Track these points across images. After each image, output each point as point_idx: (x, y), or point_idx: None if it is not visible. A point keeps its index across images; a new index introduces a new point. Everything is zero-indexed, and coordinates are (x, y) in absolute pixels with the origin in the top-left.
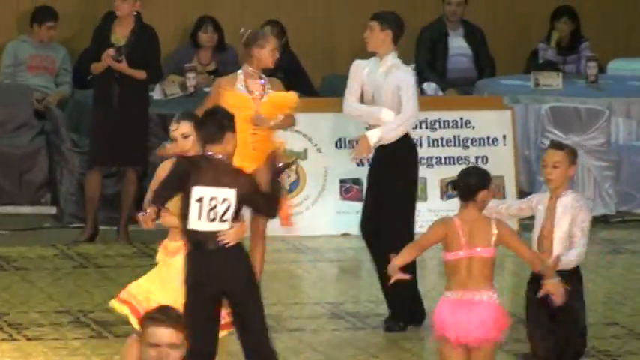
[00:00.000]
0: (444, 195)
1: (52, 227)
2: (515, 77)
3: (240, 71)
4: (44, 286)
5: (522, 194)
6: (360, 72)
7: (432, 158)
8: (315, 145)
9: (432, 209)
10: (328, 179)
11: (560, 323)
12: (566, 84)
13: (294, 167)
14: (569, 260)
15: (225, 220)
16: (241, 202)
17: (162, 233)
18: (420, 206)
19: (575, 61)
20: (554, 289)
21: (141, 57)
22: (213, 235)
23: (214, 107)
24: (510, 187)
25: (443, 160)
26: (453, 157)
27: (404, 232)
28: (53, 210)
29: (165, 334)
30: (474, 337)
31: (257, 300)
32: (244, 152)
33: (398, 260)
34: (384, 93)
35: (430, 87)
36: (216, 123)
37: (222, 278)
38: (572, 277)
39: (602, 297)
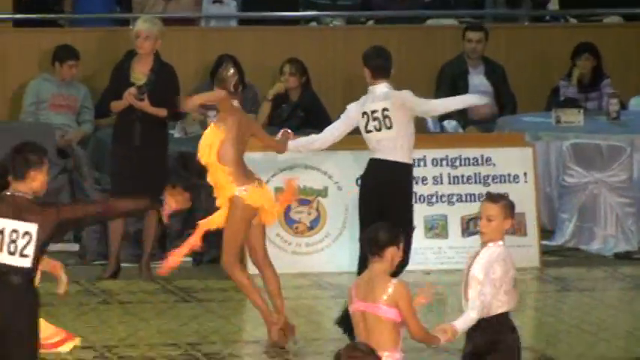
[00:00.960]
0: (465, 232)
1: (76, 264)
2: (537, 114)
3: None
4: (68, 321)
5: (544, 231)
6: (353, 113)
7: (452, 195)
8: (336, 182)
9: (452, 246)
10: (349, 216)
11: None
12: (587, 121)
13: (315, 204)
14: (471, 319)
15: (25, 255)
16: (50, 234)
17: (185, 271)
18: (441, 243)
19: (597, 98)
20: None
21: (161, 95)
22: (14, 269)
23: (23, 143)
24: (531, 225)
25: (464, 198)
26: (474, 194)
27: None
28: (76, 247)
29: None
30: None
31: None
32: None
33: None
34: (391, 112)
35: (450, 124)
36: (22, 159)
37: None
38: (500, 328)
39: (624, 332)
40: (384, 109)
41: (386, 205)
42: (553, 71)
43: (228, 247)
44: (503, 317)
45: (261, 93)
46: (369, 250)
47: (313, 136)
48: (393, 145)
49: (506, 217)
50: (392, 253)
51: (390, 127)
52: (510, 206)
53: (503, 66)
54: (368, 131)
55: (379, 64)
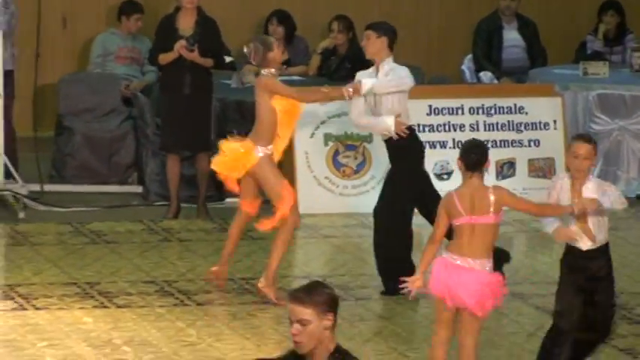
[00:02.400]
0: (499, 175)
1: (139, 205)
2: (565, 67)
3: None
4: (132, 258)
5: None
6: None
7: (488, 141)
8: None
9: None
10: None
11: (592, 307)
12: (612, 73)
13: (361, 149)
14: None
15: None
16: None
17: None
18: None
19: (621, 52)
20: (589, 203)
21: (206, 46)
22: None
23: None
24: (560, 168)
25: (498, 143)
26: (508, 141)
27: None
28: (139, 189)
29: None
30: (462, 302)
31: None
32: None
33: (422, 266)
34: (385, 96)
35: (486, 76)
36: None
37: None
38: (607, 262)
39: None
40: None
41: None
42: (581, 27)
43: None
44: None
45: (311, 46)
46: (471, 167)
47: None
48: None
49: (595, 155)
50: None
51: None
52: (596, 145)
53: (535, 22)
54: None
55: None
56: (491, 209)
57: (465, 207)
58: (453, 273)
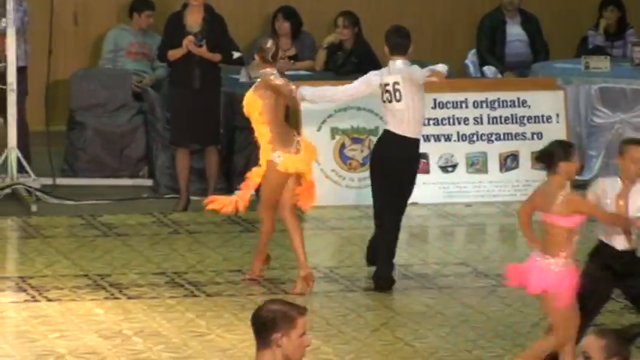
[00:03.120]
0: (503, 167)
1: (149, 197)
2: (567, 61)
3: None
4: (142, 250)
5: None
6: (372, 81)
7: (491, 134)
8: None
9: (491, 181)
10: None
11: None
12: (613, 67)
13: (366, 142)
14: None
15: None
16: None
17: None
18: (481, 178)
19: (622, 46)
20: None
21: (214, 41)
22: None
23: None
24: None
25: (502, 136)
26: (511, 134)
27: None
28: (150, 182)
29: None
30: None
31: None
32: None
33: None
34: (402, 86)
35: (490, 70)
36: None
37: None
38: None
39: None
40: (395, 83)
41: (391, 177)
42: (582, 22)
43: (264, 201)
44: None
45: (317, 41)
46: (546, 166)
47: (329, 88)
48: (401, 117)
49: None
50: (564, 167)
51: (399, 100)
52: None
53: (538, 17)
54: (382, 102)
55: (397, 42)
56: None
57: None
58: (531, 270)
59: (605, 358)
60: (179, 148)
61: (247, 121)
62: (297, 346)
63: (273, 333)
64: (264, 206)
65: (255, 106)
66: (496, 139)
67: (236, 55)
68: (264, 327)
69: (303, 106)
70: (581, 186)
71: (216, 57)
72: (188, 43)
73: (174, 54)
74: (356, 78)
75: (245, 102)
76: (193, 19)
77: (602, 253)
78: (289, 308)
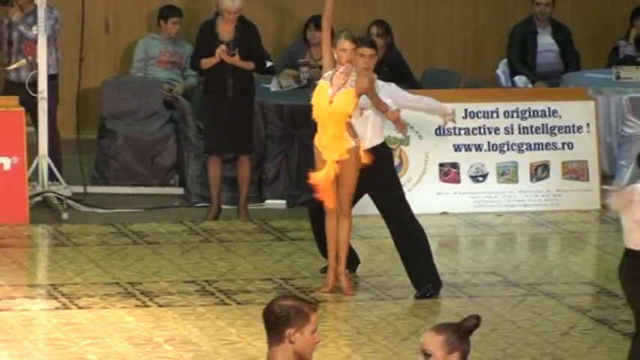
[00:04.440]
0: (534, 177)
1: (180, 206)
2: (598, 71)
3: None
4: (173, 258)
5: (604, 177)
6: None
7: (522, 144)
8: (417, 132)
9: (522, 190)
10: (429, 163)
11: None
12: None
13: (397, 152)
14: None
15: None
16: None
17: (278, 212)
18: (511, 188)
19: None
20: None
21: (247, 50)
22: None
23: None
24: (593, 171)
25: (532, 146)
26: (542, 143)
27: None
28: (181, 190)
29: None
30: None
31: None
32: (318, 139)
33: None
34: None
35: (521, 80)
36: None
37: None
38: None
39: None
40: None
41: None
42: (613, 31)
43: (349, 197)
44: None
45: None
46: None
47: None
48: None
49: None
50: None
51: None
52: None
53: (569, 27)
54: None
55: None
56: None
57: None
58: None
59: (447, 354)
60: (212, 156)
61: (278, 129)
62: (309, 342)
63: (287, 328)
64: (348, 204)
65: (352, 105)
66: (527, 149)
67: (268, 64)
68: (278, 322)
69: None
70: None
71: (249, 65)
72: (221, 52)
73: (207, 63)
74: None
75: (343, 99)
76: (226, 28)
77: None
78: (302, 304)
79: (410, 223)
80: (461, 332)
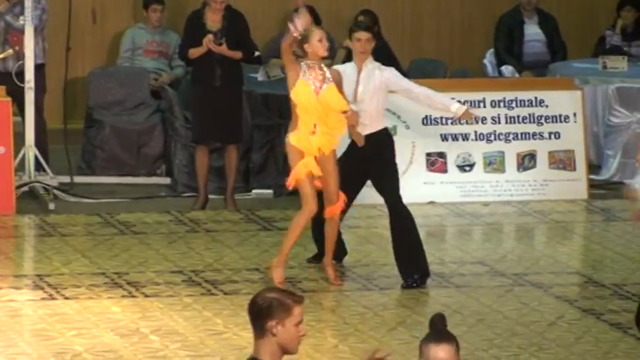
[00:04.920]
0: (520, 167)
1: (167, 196)
2: (585, 61)
3: (303, 64)
4: (160, 248)
5: (591, 166)
6: (345, 77)
7: (509, 134)
8: (404, 122)
9: (509, 180)
10: (415, 153)
11: None
12: (630, 67)
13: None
14: None
15: None
16: None
17: (265, 202)
18: (498, 177)
19: (639, 46)
20: None
21: (234, 39)
22: None
23: None
24: (580, 160)
25: (519, 136)
26: (529, 133)
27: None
28: (167, 180)
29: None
30: None
31: None
32: (304, 138)
33: None
34: (367, 93)
35: (508, 70)
36: None
37: None
38: None
39: None
40: None
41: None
42: (599, 22)
43: (336, 186)
44: None
45: (337, 40)
46: None
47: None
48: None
49: None
50: None
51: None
52: None
53: (555, 17)
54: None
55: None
56: None
57: None
58: None
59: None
60: (199, 146)
61: (266, 119)
62: (292, 335)
63: (268, 320)
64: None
65: (341, 99)
66: (513, 139)
67: (255, 54)
68: (260, 314)
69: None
70: (598, 186)
71: (237, 55)
72: (207, 41)
73: (194, 52)
74: None
75: (334, 98)
76: (213, 18)
77: None
78: (286, 296)
79: (402, 212)
80: (445, 331)
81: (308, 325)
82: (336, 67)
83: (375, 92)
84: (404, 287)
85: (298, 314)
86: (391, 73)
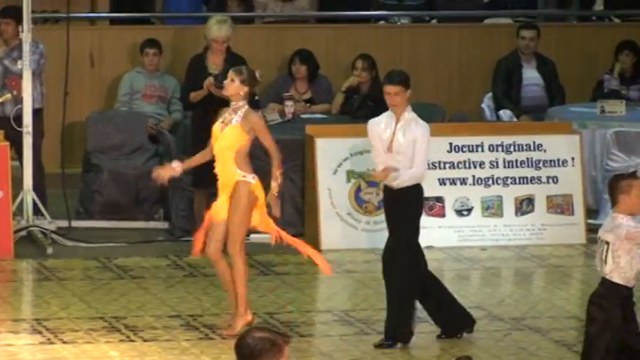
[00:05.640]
0: (518, 211)
1: (165, 240)
2: (583, 105)
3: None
4: (157, 292)
5: (589, 211)
6: (377, 129)
7: (507, 178)
8: None
9: (507, 224)
10: None
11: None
12: (629, 111)
13: (382, 186)
14: None
15: None
16: None
17: (264, 247)
18: (496, 222)
19: (637, 90)
20: None
21: None
22: None
23: None
24: (578, 205)
25: (517, 180)
26: (527, 177)
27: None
28: (165, 224)
29: None
30: None
31: None
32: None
33: None
34: (403, 144)
35: (506, 114)
36: None
37: None
38: None
39: None
40: None
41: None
42: (598, 66)
43: (238, 234)
44: None
45: (334, 84)
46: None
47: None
48: None
49: None
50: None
51: None
52: None
53: (554, 61)
54: None
55: None
56: None
57: None
58: None
59: None
60: (198, 190)
61: (262, 163)
62: None
63: None
64: (238, 241)
65: (235, 139)
66: (511, 183)
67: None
68: (252, 356)
69: (319, 149)
70: (595, 230)
71: None
72: (208, 84)
73: (195, 96)
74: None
75: (230, 134)
76: (215, 60)
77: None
78: (276, 336)
79: (401, 268)
80: None
81: None
82: (373, 119)
83: (410, 144)
84: (375, 346)
85: (287, 353)
86: (422, 130)
